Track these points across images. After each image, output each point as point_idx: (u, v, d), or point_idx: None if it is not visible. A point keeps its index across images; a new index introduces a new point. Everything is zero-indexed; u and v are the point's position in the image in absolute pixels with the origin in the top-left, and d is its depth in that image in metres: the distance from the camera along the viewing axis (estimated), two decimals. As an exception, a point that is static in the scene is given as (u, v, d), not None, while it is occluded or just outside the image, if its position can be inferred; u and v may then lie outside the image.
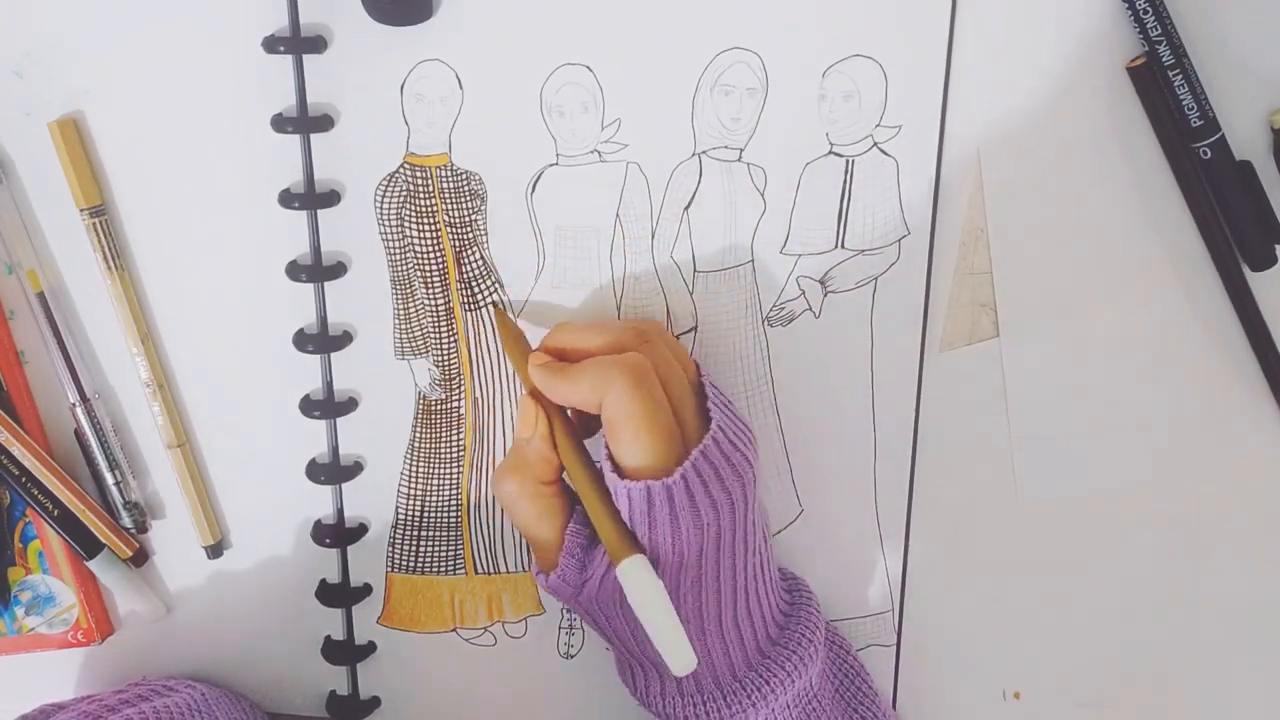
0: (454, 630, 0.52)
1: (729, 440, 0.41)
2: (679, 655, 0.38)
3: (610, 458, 0.41)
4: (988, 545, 0.50)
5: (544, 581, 0.44)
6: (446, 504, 0.51)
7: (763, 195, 0.46)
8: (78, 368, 0.49)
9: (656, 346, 0.43)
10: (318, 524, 0.51)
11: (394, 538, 0.51)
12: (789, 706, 0.44)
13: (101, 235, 0.47)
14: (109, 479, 0.50)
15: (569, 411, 0.44)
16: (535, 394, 0.43)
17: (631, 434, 0.40)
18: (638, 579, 0.39)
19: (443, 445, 0.50)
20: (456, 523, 0.51)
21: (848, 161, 0.46)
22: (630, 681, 0.46)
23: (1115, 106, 0.45)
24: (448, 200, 0.47)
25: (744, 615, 0.43)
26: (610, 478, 0.41)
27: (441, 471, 0.50)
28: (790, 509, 0.50)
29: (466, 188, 0.47)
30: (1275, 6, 0.43)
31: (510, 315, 0.48)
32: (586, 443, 0.44)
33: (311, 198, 0.46)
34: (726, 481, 0.41)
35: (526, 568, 0.51)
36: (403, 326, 0.49)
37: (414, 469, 0.50)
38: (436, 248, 0.48)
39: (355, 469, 0.50)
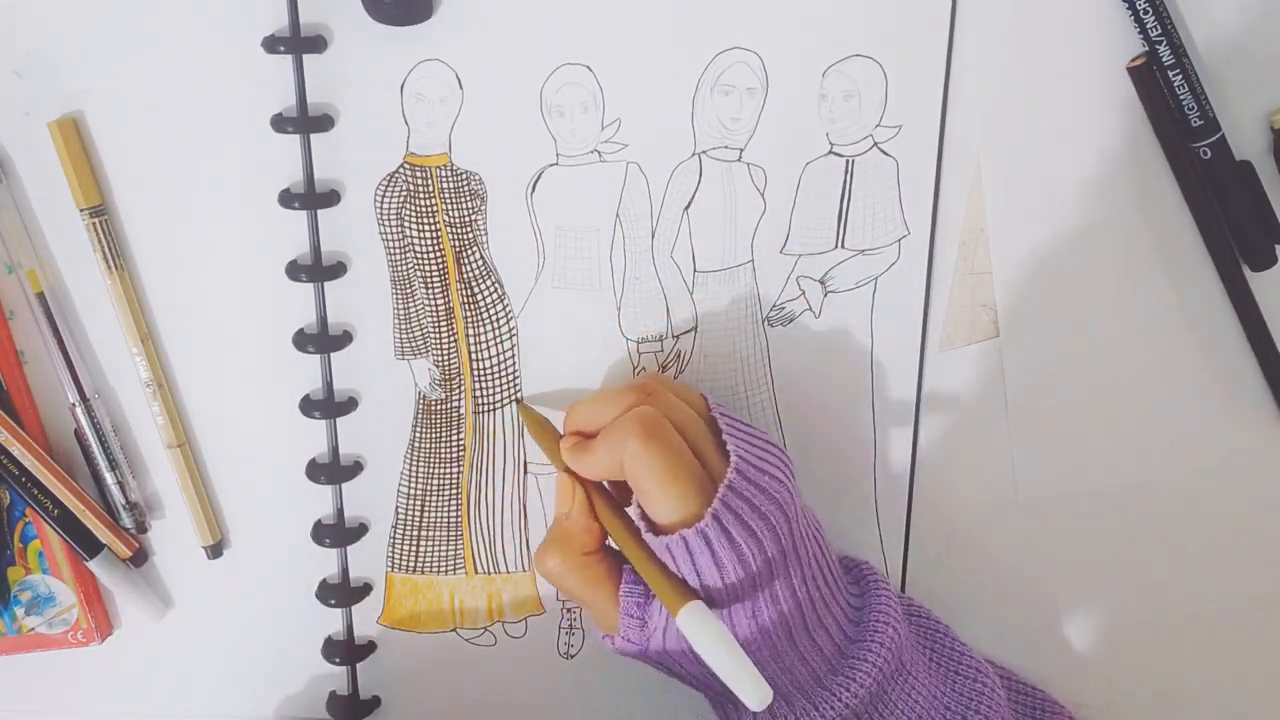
0: (454, 630, 0.52)
1: (753, 467, 0.41)
2: (752, 692, 0.38)
3: (644, 516, 0.41)
4: (988, 545, 0.50)
5: (610, 645, 0.45)
6: (446, 504, 0.51)
7: (763, 195, 0.46)
8: (78, 368, 0.49)
9: (661, 396, 0.43)
10: (318, 524, 0.51)
11: (394, 538, 0.51)
12: (885, 693, 0.43)
13: (101, 235, 0.47)
14: (109, 479, 0.50)
15: (608, 485, 0.45)
16: (570, 471, 0.44)
17: (655, 486, 0.40)
18: (698, 626, 0.39)
19: (443, 445, 0.50)
20: (456, 522, 0.51)
21: (848, 161, 0.46)
22: (728, 717, 0.46)
23: (1115, 106, 0.45)
24: (448, 200, 0.47)
25: (815, 624, 0.43)
26: (647, 537, 0.41)
27: (441, 471, 0.50)
28: (790, 509, 0.50)
29: (466, 188, 0.47)
30: (1275, 6, 0.43)
31: (532, 405, 0.49)
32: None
33: (311, 198, 0.46)
34: (762, 508, 0.40)
35: (526, 568, 0.51)
36: (403, 326, 0.49)
37: (414, 469, 0.50)
38: (436, 248, 0.48)
39: (355, 469, 0.50)
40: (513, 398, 0.49)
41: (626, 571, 0.44)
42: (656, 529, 0.41)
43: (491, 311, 0.48)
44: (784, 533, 0.41)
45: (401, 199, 0.47)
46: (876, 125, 0.45)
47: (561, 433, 0.46)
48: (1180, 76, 0.43)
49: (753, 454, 0.42)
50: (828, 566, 0.44)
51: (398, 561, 0.51)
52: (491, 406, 0.49)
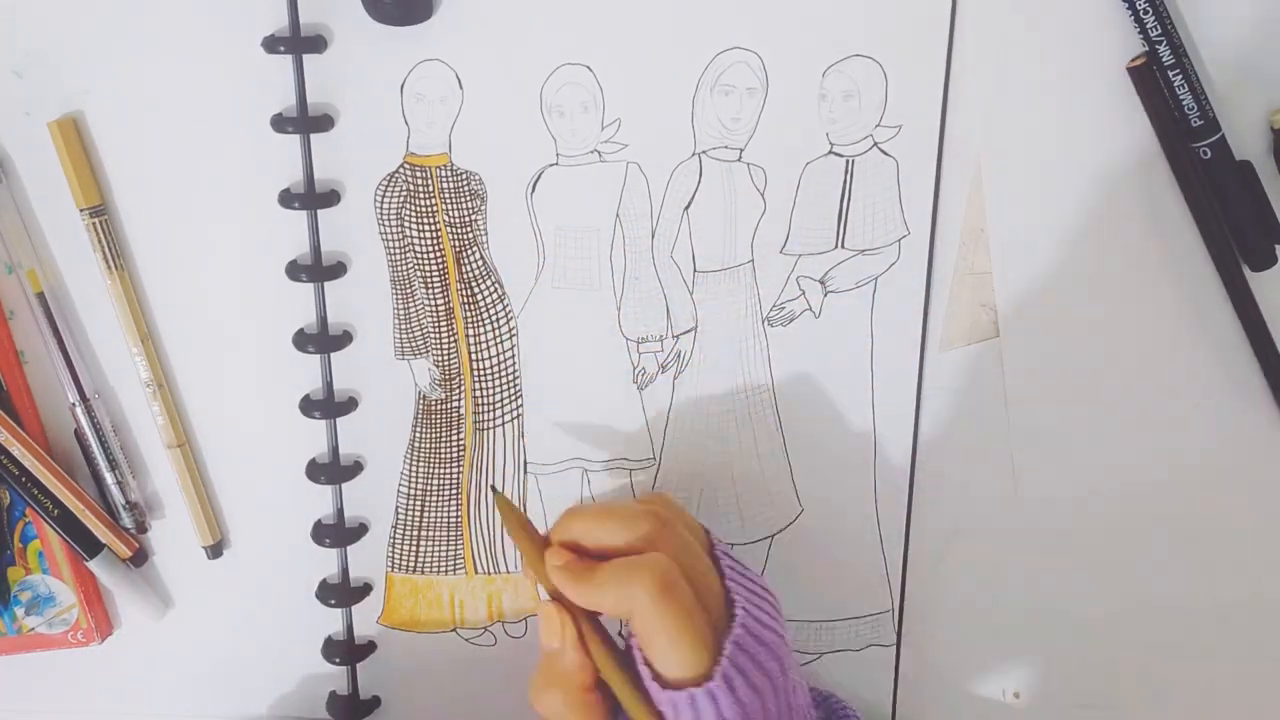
0: (454, 630, 0.52)
1: (755, 620, 0.40)
2: None
3: (647, 663, 0.39)
4: (988, 545, 0.50)
5: None
6: (446, 504, 0.51)
7: (763, 195, 0.46)
8: (78, 368, 0.49)
9: (674, 531, 0.41)
10: (318, 524, 0.51)
11: (394, 538, 0.51)
12: None
13: (101, 235, 0.47)
14: (109, 479, 0.50)
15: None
16: (557, 596, 0.41)
17: (667, 647, 0.38)
18: None
19: (443, 445, 0.50)
20: (456, 522, 0.51)
21: (848, 161, 0.46)
22: None
23: (1115, 106, 0.45)
24: (448, 200, 0.47)
25: None
26: (651, 688, 0.39)
27: (441, 471, 0.50)
28: (790, 509, 0.50)
29: (466, 188, 0.47)
30: (1275, 6, 0.43)
31: (514, 504, 0.46)
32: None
33: (311, 198, 0.46)
34: (764, 665, 0.39)
35: (526, 568, 0.51)
36: (403, 326, 0.49)
37: (414, 469, 0.50)
38: (436, 248, 0.48)
39: (355, 469, 0.50)
40: (515, 409, 0.49)
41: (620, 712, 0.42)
42: (659, 680, 0.39)
43: (491, 311, 0.48)
44: (780, 685, 0.40)
45: (401, 199, 0.47)
46: (876, 125, 0.45)
47: (544, 535, 0.43)
48: (1180, 76, 0.43)
49: (754, 605, 0.40)
50: (807, 706, 0.43)
51: (398, 561, 0.51)
52: (491, 406, 0.49)
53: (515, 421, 0.50)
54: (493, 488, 0.49)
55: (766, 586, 0.43)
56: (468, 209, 0.47)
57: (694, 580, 0.40)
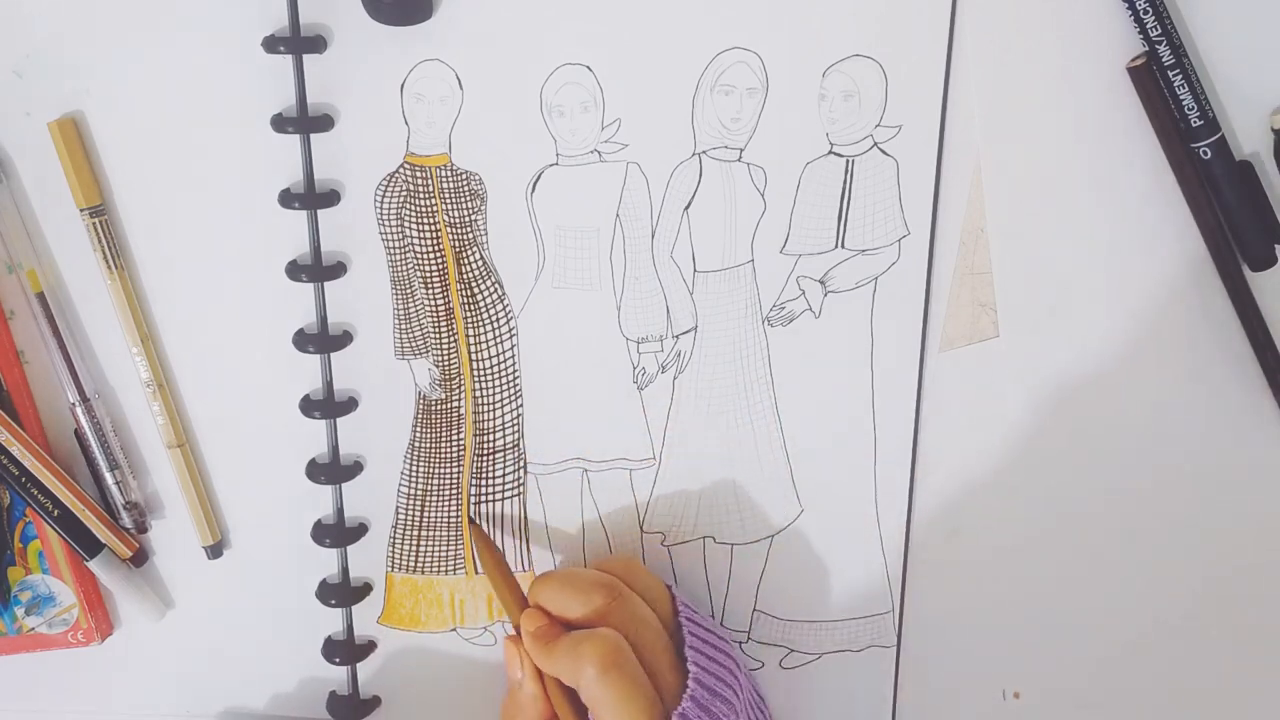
0: (454, 630, 0.52)
1: (707, 691, 0.42)
2: None
3: None
4: (988, 545, 0.50)
5: None
6: (446, 504, 0.51)
7: (763, 195, 0.46)
8: (78, 368, 0.49)
9: (626, 603, 0.44)
10: (318, 524, 0.51)
11: (394, 538, 0.51)
12: None
13: (101, 235, 0.47)
14: (109, 479, 0.50)
15: None
16: (519, 640, 0.45)
17: (609, 716, 0.41)
18: None
19: (443, 445, 0.50)
20: (456, 522, 0.51)
21: (848, 161, 0.46)
22: None
23: (1115, 106, 0.45)
24: (448, 200, 0.47)
25: None
26: None
27: (441, 471, 0.50)
28: (790, 509, 0.50)
29: (466, 188, 0.47)
30: (1275, 6, 0.43)
31: (492, 544, 0.49)
32: None
33: (311, 198, 0.46)
34: None
35: (526, 567, 0.51)
36: (403, 326, 0.49)
37: (414, 469, 0.50)
38: (436, 248, 0.48)
39: (355, 469, 0.50)
40: (515, 409, 0.49)
41: None
42: None
43: (491, 311, 0.48)
44: None
45: (401, 199, 0.47)
46: (876, 125, 0.45)
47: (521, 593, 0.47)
48: (1180, 76, 0.43)
49: (709, 676, 0.43)
50: None
51: (398, 561, 0.52)
52: (491, 406, 0.49)
53: (515, 421, 0.50)
54: (471, 519, 0.50)
55: (733, 656, 0.45)
56: (468, 209, 0.47)
57: (645, 650, 0.42)
